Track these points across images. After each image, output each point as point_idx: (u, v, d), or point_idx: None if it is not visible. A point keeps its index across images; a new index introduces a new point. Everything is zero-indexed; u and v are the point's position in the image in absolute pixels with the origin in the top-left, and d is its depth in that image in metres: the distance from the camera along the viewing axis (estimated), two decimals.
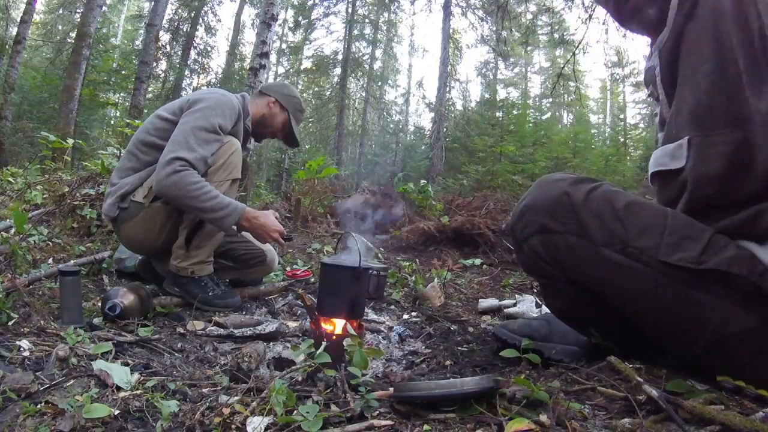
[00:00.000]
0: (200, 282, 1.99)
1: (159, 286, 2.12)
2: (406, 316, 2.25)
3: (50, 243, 2.55)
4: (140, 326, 1.59)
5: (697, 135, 1.04)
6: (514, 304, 2.43)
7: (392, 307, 2.40)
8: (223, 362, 1.45)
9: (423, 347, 1.76)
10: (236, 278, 2.36)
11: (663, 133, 1.17)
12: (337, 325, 1.36)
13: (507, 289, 3.05)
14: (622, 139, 15.94)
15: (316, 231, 4.73)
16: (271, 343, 1.69)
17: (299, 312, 2.15)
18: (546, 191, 1.17)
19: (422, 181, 6.06)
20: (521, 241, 1.22)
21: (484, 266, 3.84)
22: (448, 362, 1.50)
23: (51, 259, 2.32)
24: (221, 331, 1.73)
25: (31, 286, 1.81)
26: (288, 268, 2.98)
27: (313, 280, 2.79)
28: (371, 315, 2.16)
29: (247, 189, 4.76)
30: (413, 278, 2.84)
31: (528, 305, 2.35)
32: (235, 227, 1.93)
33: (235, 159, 1.96)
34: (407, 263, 3.47)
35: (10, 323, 1.42)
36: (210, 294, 1.98)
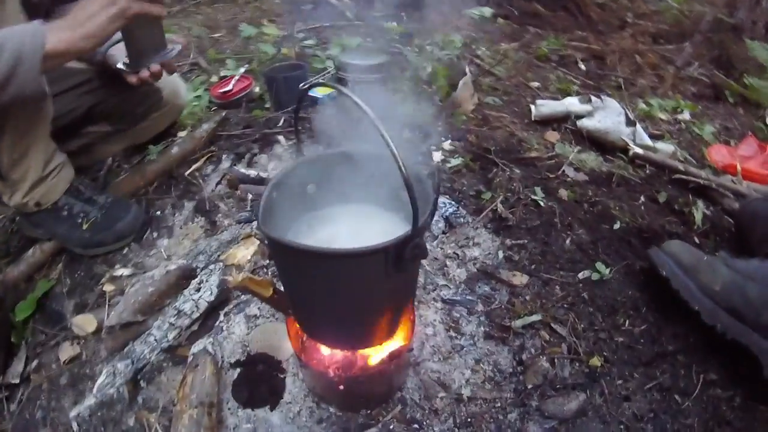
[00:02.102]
0: (60, 211, 1.10)
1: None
2: (437, 155, 1.34)
3: None
4: None
5: None
6: (591, 113, 1.52)
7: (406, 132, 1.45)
8: None
9: (503, 258, 1.02)
10: (131, 144, 1.35)
11: None
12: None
13: (549, 67, 2.07)
14: None
15: None
16: (221, 319, 0.85)
17: (251, 197, 1.20)
18: None
19: None
20: None
21: (499, 20, 2.70)
22: (596, 361, 0.77)
23: None
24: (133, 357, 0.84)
25: None
26: (214, 79, 1.86)
27: (258, 90, 1.72)
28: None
29: None
30: (427, 69, 1.78)
31: (614, 117, 1.48)
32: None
33: None
34: (396, 28, 2.28)
35: None
36: (84, 227, 1.10)
